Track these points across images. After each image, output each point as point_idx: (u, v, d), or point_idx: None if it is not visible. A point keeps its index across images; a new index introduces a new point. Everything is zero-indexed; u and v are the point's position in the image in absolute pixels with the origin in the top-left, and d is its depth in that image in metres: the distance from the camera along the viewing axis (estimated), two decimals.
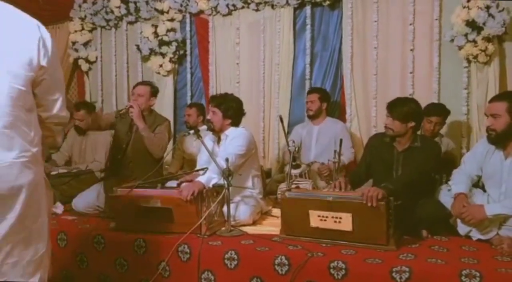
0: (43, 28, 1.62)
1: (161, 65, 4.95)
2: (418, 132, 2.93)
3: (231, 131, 3.17)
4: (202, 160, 3.26)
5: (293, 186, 3.16)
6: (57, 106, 1.71)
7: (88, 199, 3.49)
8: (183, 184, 2.93)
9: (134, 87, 3.62)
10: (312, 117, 4.04)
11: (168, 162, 4.82)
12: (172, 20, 4.92)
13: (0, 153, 1.53)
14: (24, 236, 1.60)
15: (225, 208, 2.81)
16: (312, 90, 4.13)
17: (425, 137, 2.98)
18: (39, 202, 1.66)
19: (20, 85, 1.55)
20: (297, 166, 3.43)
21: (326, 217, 2.47)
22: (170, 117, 4.98)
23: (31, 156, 1.60)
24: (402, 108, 2.78)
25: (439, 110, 3.63)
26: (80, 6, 5.37)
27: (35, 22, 1.62)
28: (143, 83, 3.67)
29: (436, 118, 3.58)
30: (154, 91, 3.59)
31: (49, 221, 1.71)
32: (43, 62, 1.59)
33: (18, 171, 1.56)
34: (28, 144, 1.59)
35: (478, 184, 2.73)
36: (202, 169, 3.03)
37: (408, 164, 2.77)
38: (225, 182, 2.76)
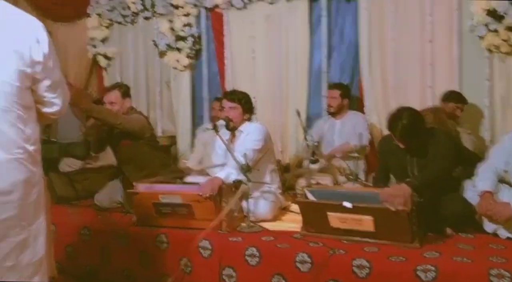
0: (40, 26, 1.63)
1: (178, 60, 4.96)
2: None
3: (246, 127, 3.17)
4: (217, 155, 3.27)
5: (313, 181, 3.16)
6: (57, 105, 1.72)
7: (109, 194, 3.54)
8: (202, 180, 2.97)
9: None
10: (333, 114, 4.02)
11: (186, 155, 4.86)
12: (187, 15, 4.90)
13: None
14: (23, 238, 1.59)
15: (244, 204, 2.82)
16: (332, 86, 4.08)
17: (433, 132, 2.84)
18: (36, 202, 1.64)
19: (13, 81, 1.55)
20: (316, 161, 3.42)
21: (346, 219, 2.45)
22: (188, 112, 5.05)
23: (27, 153, 1.60)
24: (402, 132, 2.66)
25: (459, 97, 3.67)
26: (97, 2, 5.39)
27: (32, 20, 1.64)
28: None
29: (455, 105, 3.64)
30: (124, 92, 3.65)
31: (48, 222, 1.71)
32: (38, 59, 1.60)
33: (12, 168, 1.56)
34: (24, 142, 1.59)
35: (504, 179, 2.68)
36: (221, 165, 3.06)
37: (423, 162, 2.73)
38: (244, 178, 2.77)
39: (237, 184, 2.82)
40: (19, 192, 1.57)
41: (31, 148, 1.61)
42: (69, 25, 5.65)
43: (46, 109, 1.71)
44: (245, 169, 2.80)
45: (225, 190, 2.82)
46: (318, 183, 3.09)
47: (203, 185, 2.79)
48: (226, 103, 3.18)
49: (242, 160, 2.81)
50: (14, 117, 1.56)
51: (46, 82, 1.65)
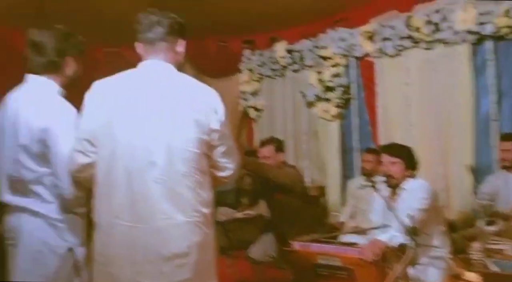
0: (215, 95, 1.72)
1: (326, 111, 4.93)
2: None
3: (409, 184, 2.93)
4: (376, 214, 3.07)
5: (491, 246, 2.75)
6: (230, 169, 1.78)
7: (263, 247, 3.54)
8: (360, 240, 2.79)
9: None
10: (507, 168, 3.54)
11: (336, 207, 4.71)
12: (336, 65, 4.88)
13: (173, 212, 1.60)
14: None
15: (411, 271, 2.55)
16: (505, 137, 3.61)
17: None
18: (209, 264, 1.69)
19: (194, 148, 1.63)
20: (492, 222, 3.00)
21: None
22: (337, 163, 4.93)
23: (203, 216, 1.65)
24: None
25: None
26: (248, 59, 5.70)
27: (208, 90, 1.73)
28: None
29: None
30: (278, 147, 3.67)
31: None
32: (215, 127, 1.67)
33: (189, 231, 1.61)
34: (201, 205, 1.65)
35: None
36: (383, 226, 2.84)
37: None
38: (410, 241, 2.52)
39: (402, 248, 2.58)
40: (194, 255, 1.62)
41: (206, 210, 1.67)
42: (223, 81, 6.03)
43: (220, 174, 1.78)
44: (411, 232, 2.55)
45: (388, 255, 2.59)
46: (500, 251, 2.67)
47: (365, 248, 2.61)
48: (386, 158, 3.00)
49: (407, 221, 2.57)
50: (192, 182, 1.63)
51: (222, 149, 1.73)
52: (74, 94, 1.96)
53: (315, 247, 2.79)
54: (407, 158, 2.96)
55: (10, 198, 1.82)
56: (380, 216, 2.99)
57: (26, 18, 3.60)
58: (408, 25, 4.23)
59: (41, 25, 1.91)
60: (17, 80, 1.92)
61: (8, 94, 1.90)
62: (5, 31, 4.57)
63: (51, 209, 1.77)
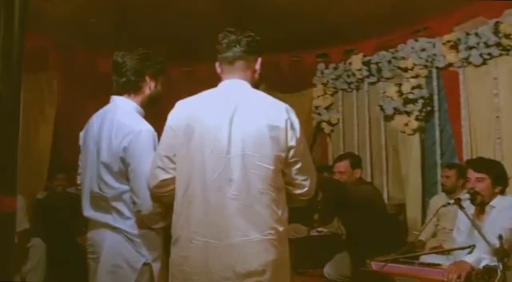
0: (291, 111, 1.71)
1: (406, 124, 4.73)
2: None
3: (498, 201, 2.72)
4: (461, 234, 2.87)
5: None
6: (307, 187, 1.74)
7: (337, 267, 3.45)
8: (442, 261, 2.63)
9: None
10: None
11: (416, 226, 4.49)
12: (416, 76, 4.69)
13: (248, 229, 1.60)
14: None
15: None
16: None
17: None
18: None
19: (268, 165, 1.63)
20: None
21: None
22: (418, 179, 4.71)
23: (278, 234, 1.64)
24: None
25: None
26: (322, 72, 5.63)
27: (285, 107, 1.71)
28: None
29: None
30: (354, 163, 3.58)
31: None
32: (292, 144, 1.66)
33: (264, 248, 1.61)
34: (276, 223, 1.64)
35: None
36: (468, 247, 2.65)
37: None
38: (499, 264, 2.33)
39: (489, 271, 2.39)
40: (270, 273, 1.62)
41: (281, 228, 1.66)
42: (296, 95, 6.00)
43: (296, 191, 1.76)
44: (500, 253, 2.36)
45: (474, 278, 2.41)
46: None
47: (448, 270, 2.44)
48: (472, 174, 2.81)
49: (495, 242, 2.38)
50: (268, 199, 1.64)
51: (298, 166, 1.72)
52: (153, 112, 2.05)
53: (394, 267, 2.67)
54: (495, 174, 2.75)
55: (92, 214, 1.92)
56: (465, 235, 2.81)
57: (109, 42, 3.85)
58: (496, 32, 3.97)
59: (123, 48, 2.03)
60: (104, 102, 2.04)
61: (94, 114, 2.02)
62: (90, 56, 4.92)
63: (130, 225, 1.84)
